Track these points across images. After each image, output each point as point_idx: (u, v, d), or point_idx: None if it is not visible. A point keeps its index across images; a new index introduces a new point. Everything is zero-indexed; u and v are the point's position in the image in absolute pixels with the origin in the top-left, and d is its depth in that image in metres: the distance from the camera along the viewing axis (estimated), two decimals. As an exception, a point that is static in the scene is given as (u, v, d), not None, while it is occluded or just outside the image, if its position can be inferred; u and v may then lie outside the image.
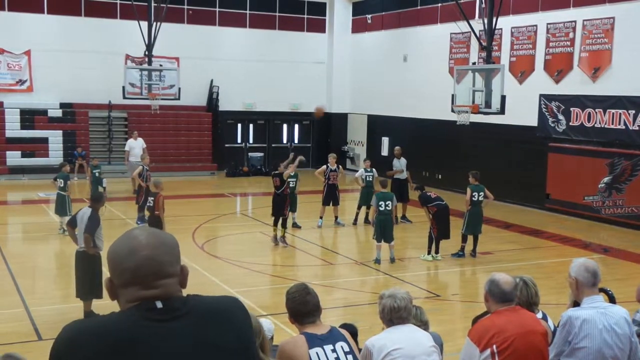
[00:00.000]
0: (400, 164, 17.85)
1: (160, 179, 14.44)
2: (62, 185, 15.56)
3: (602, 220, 17.62)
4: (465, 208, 14.01)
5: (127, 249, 2.17)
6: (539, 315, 5.17)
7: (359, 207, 17.37)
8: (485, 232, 16.68)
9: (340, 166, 17.50)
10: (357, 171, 18.72)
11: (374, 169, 17.36)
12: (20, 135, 24.49)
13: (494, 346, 4.24)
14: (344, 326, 5.34)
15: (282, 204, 14.63)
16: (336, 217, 17.14)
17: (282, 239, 14.74)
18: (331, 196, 17.03)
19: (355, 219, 17.39)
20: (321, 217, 16.93)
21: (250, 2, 27.92)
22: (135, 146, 22.08)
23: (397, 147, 18.34)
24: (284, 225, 14.77)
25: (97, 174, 19.94)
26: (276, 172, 14.78)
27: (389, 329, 4.76)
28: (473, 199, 13.89)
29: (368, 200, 17.17)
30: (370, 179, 17.10)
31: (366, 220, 17.25)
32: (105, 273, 9.97)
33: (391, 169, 17.69)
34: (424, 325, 5.39)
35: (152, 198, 13.39)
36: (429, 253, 13.82)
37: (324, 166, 17.19)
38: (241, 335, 2.24)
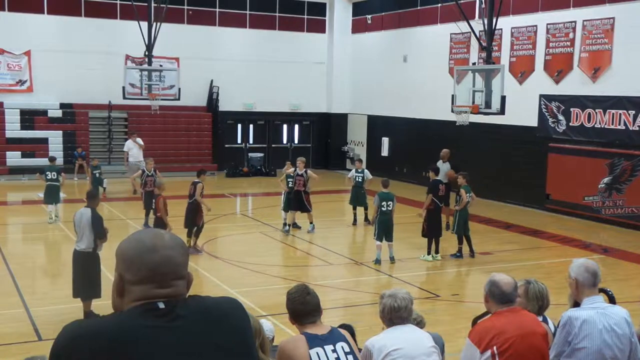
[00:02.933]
0: (443, 167, 16.54)
1: (162, 180, 14.42)
2: (54, 177, 16.60)
3: (602, 221, 17.62)
4: (459, 208, 13.96)
5: (147, 246, 2.18)
6: (540, 317, 5.16)
7: (354, 208, 17.37)
8: (485, 232, 16.71)
9: (308, 170, 16.41)
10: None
11: (366, 170, 17.34)
12: (20, 136, 24.49)
13: (495, 347, 4.24)
14: (341, 327, 5.35)
15: (196, 214, 13.95)
16: (311, 222, 16.28)
17: (194, 249, 13.74)
18: (295, 202, 16.04)
19: (354, 220, 17.39)
20: (289, 224, 16.12)
21: (250, 3, 27.93)
22: (134, 147, 22.08)
23: (444, 150, 17.21)
24: (196, 235, 14.00)
25: (97, 175, 19.98)
26: (197, 180, 14.12)
27: (388, 329, 4.76)
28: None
29: (358, 201, 17.20)
30: (360, 180, 17.09)
31: (366, 220, 17.25)
32: (104, 272, 10.01)
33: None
34: (417, 321, 5.41)
35: (154, 201, 13.39)
36: (428, 253, 13.83)
37: (292, 169, 16.37)
38: (240, 336, 2.24)
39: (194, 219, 14.00)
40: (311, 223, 16.25)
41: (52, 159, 18.10)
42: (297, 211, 16.18)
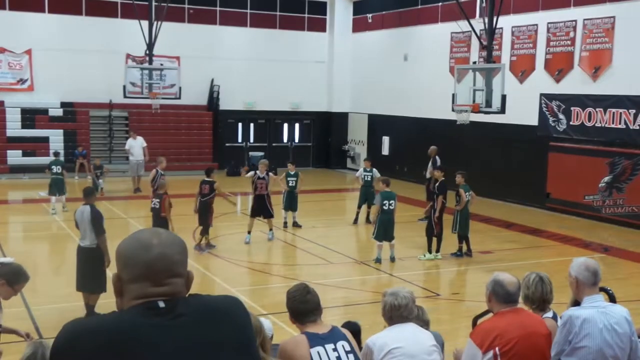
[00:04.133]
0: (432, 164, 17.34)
1: (164, 180, 14.43)
2: (59, 170, 17.84)
3: (602, 220, 17.62)
4: (459, 208, 13.96)
5: (142, 244, 2.19)
6: (550, 314, 5.14)
7: (359, 207, 17.33)
8: (486, 231, 16.72)
9: (270, 174, 15.53)
10: (357, 170, 18.69)
11: (374, 169, 17.26)
12: (21, 135, 24.50)
13: (497, 348, 4.23)
14: (347, 324, 5.35)
15: (208, 212, 14.00)
16: (270, 229, 15.35)
17: (207, 246, 14.06)
18: (259, 208, 15.06)
19: (356, 219, 17.38)
20: (249, 232, 14.95)
21: (251, 2, 27.93)
22: (135, 145, 22.11)
23: (432, 147, 18.07)
24: (202, 233, 14.09)
25: (97, 174, 20.13)
26: (208, 179, 14.18)
27: (390, 327, 4.76)
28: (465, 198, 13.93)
29: (367, 199, 17.18)
30: (369, 179, 17.06)
31: (367, 220, 17.23)
32: (106, 271, 9.96)
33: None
34: (425, 324, 5.40)
35: (158, 200, 13.32)
36: (430, 252, 13.83)
37: (252, 172, 15.29)
38: (241, 334, 2.25)
39: (206, 218, 14.12)
40: (271, 230, 15.33)
41: (57, 154, 19.26)
42: (264, 218, 15.19)
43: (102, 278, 9.77)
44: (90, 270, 9.78)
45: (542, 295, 5.11)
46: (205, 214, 14.14)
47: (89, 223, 9.73)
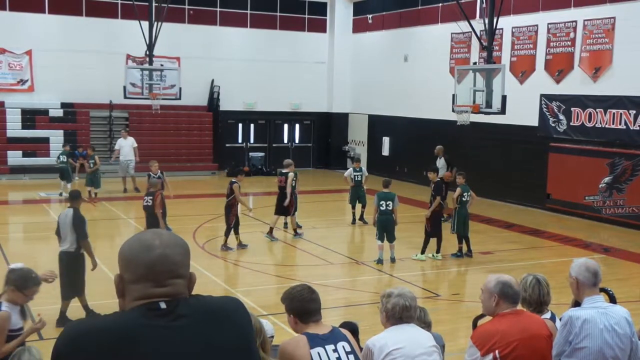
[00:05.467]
0: (439, 164, 17.81)
1: (155, 181, 14.43)
2: (64, 160, 20.23)
3: (602, 220, 17.62)
4: (452, 207, 14.03)
5: (143, 245, 2.20)
6: (548, 315, 5.13)
7: (353, 207, 17.39)
8: (486, 231, 16.72)
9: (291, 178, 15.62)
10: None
11: (363, 168, 17.44)
12: (21, 135, 24.50)
13: (497, 351, 4.23)
14: (345, 324, 5.35)
15: (229, 213, 14.19)
16: (269, 233, 15.58)
17: (224, 246, 14.28)
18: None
19: (354, 219, 17.39)
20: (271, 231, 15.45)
21: (251, 2, 27.93)
22: (125, 145, 22.11)
23: (438, 146, 18.51)
24: (235, 232, 14.31)
25: (91, 165, 20.19)
26: (234, 180, 14.40)
27: (390, 328, 4.75)
28: (463, 199, 13.93)
29: (358, 199, 17.24)
30: (359, 179, 17.15)
31: (361, 218, 17.26)
32: (106, 272, 9.95)
33: (436, 171, 15.59)
34: (427, 326, 5.39)
35: (150, 197, 13.28)
36: (422, 252, 13.84)
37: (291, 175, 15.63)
38: (242, 335, 2.25)
39: (227, 218, 14.23)
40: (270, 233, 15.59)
41: (64, 146, 21.57)
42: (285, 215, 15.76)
43: (76, 284, 9.50)
44: (65, 276, 9.41)
45: (539, 297, 5.12)
46: (226, 215, 14.27)
47: (70, 226, 9.52)
